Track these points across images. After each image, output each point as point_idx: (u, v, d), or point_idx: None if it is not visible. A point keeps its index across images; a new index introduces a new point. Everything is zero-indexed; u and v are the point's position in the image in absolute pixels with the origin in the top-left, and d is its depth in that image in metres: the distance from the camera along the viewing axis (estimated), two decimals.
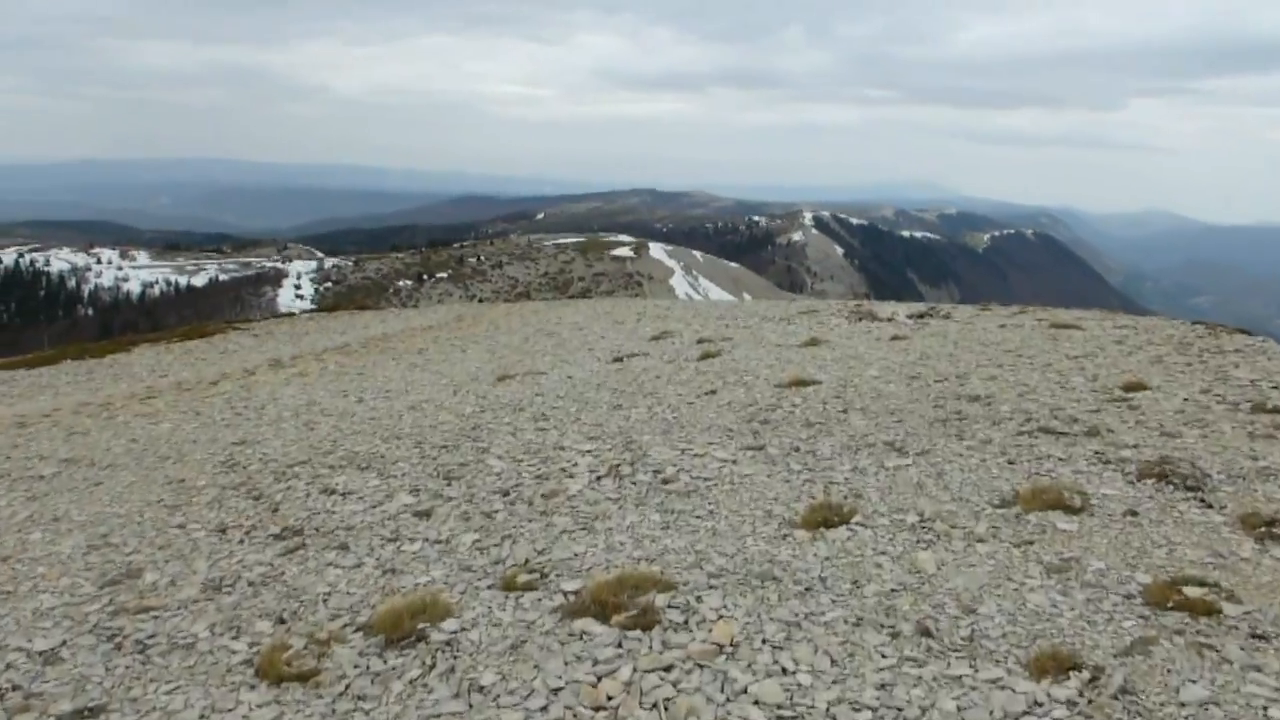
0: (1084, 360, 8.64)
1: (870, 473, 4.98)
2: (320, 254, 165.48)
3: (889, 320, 13.66)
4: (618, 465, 5.25)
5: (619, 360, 10.61)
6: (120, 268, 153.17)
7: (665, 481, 4.92)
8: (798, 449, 5.53)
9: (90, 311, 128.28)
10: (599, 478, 5.09)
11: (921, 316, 13.92)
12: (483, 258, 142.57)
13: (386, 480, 5.49)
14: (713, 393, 7.76)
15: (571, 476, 5.14)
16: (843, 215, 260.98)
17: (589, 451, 5.73)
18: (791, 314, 15.89)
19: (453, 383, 10.28)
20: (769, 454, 5.43)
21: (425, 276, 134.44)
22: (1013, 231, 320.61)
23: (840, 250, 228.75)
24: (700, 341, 12.01)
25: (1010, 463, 5.06)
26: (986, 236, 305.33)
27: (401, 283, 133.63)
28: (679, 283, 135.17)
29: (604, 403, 7.69)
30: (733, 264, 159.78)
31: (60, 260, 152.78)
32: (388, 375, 11.67)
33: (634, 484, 4.94)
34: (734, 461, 5.26)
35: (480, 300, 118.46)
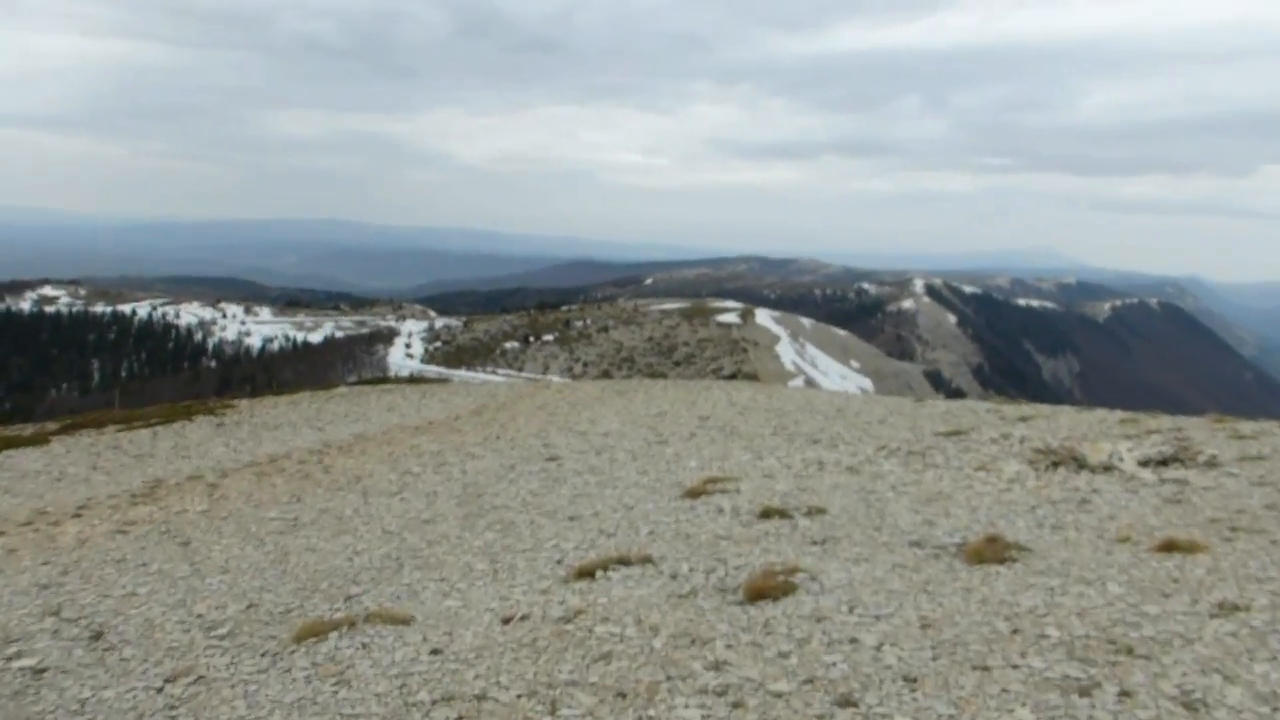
0: None
1: None
2: (433, 314, 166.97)
3: (1107, 470, 7.82)
4: None
5: (588, 578, 5.22)
6: (244, 323, 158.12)
7: None
8: None
9: (213, 364, 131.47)
10: None
11: (1164, 464, 8.00)
12: (589, 321, 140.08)
13: None
14: None
15: None
16: (955, 284, 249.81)
17: None
18: (925, 440, 10.01)
19: (244, 617, 5.12)
20: None
21: (531, 339, 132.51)
22: (1136, 301, 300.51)
23: (953, 319, 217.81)
24: (765, 515, 6.52)
25: None
26: (1108, 306, 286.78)
27: (508, 344, 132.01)
28: (785, 350, 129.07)
29: None
30: (841, 331, 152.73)
31: (189, 314, 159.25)
32: (211, 555, 6.68)
33: None
34: None
35: (585, 364, 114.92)
